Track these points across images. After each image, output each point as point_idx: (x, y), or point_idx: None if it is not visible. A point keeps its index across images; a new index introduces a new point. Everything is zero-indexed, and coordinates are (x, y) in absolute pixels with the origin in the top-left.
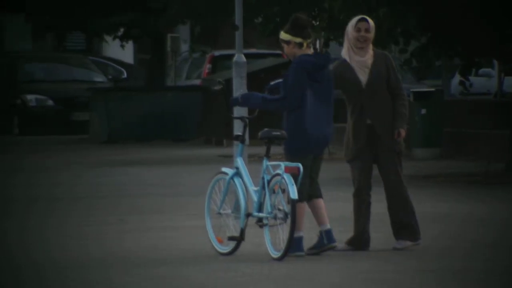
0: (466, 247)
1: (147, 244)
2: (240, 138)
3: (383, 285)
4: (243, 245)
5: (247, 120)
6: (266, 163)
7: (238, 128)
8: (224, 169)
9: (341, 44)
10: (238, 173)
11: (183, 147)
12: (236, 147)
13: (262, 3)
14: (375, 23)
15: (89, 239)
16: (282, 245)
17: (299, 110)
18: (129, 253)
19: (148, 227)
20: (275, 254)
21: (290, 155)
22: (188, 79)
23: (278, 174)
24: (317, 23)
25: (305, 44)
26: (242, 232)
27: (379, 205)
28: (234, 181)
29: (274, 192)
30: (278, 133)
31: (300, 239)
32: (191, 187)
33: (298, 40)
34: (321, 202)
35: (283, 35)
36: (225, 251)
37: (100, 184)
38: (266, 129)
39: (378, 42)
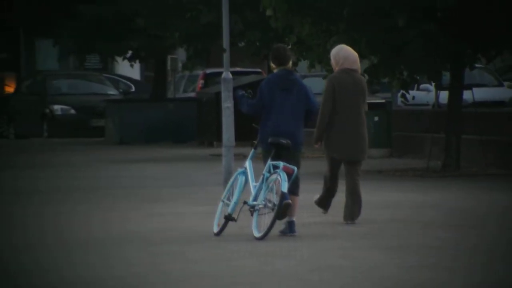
0: (413, 227)
1: (154, 226)
2: (254, 145)
3: (346, 258)
4: (232, 228)
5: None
6: (269, 163)
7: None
8: (239, 168)
9: (311, 63)
10: (244, 172)
11: (182, 148)
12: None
13: (245, 30)
14: (333, 47)
15: (109, 223)
16: (264, 228)
17: (269, 111)
18: (137, 234)
19: (154, 212)
20: (257, 234)
21: (261, 146)
22: (185, 92)
23: (275, 172)
24: (289, 46)
25: (276, 68)
26: (230, 216)
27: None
28: (238, 177)
29: (269, 187)
30: (284, 141)
31: (293, 222)
32: (189, 180)
33: (274, 66)
34: (295, 199)
35: (270, 62)
36: (216, 231)
37: (114, 178)
38: (274, 136)
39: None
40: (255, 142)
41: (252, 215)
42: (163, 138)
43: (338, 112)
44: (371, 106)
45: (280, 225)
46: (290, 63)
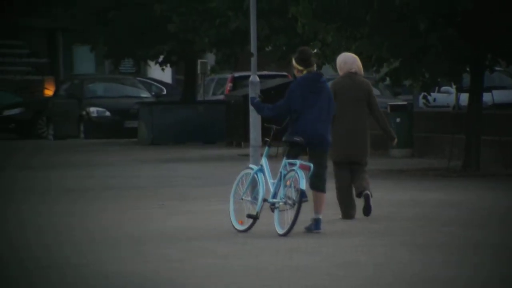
0: (434, 225)
1: (182, 224)
2: (268, 143)
3: (369, 255)
4: (257, 225)
5: (274, 128)
6: (285, 161)
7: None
8: (250, 165)
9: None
10: (261, 169)
11: (211, 148)
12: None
13: (272, 35)
14: (356, 51)
15: (141, 220)
16: (287, 225)
17: (298, 113)
18: (169, 231)
19: (184, 210)
20: (281, 231)
21: (289, 146)
22: (214, 95)
23: (292, 170)
24: (315, 50)
25: (305, 71)
26: (258, 214)
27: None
28: (257, 175)
29: (286, 185)
30: (298, 139)
31: (319, 220)
32: (217, 179)
33: (301, 68)
34: (322, 196)
35: (293, 63)
36: (242, 229)
37: (146, 176)
38: (288, 134)
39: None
40: (269, 140)
41: (273, 212)
42: (193, 139)
43: (339, 115)
44: (393, 108)
45: (305, 222)
46: (315, 65)
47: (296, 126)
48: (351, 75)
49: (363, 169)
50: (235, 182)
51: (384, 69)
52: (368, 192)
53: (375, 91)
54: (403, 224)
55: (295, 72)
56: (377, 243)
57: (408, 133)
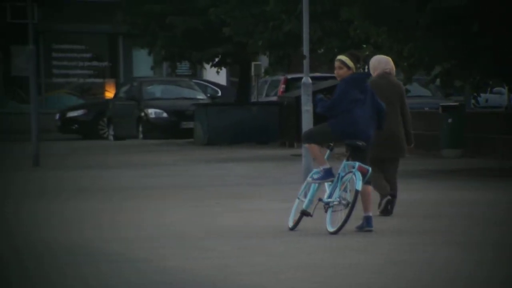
0: (485, 225)
1: (237, 222)
2: (331, 147)
3: (419, 253)
4: (309, 223)
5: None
6: (345, 163)
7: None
8: (315, 170)
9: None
10: (319, 171)
11: (264, 148)
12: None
13: (324, 38)
14: (409, 54)
15: (196, 217)
16: (338, 223)
17: (346, 111)
18: (224, 229)
19: (238, 208)
20: (331, 229)
21: (332, 134)
22: (267, 96)
23: (351, 172)
24: (366, 53)
25: (354, 70)
26: (305, 211)
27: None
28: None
29: (344, 186)
30: (360, 143)
31: (370, 217)
32: (271, 178)
33: (353, 65)
34: (368, 189)
35: (345, 59)
36: (291, 226)
37: (202, 176)
38: (350, 135)
39: (412, 68)
40: (332, 144)
41: (326, 211)
42: (247, 139)
43: None
44: (445, 108)
45: (356, 221)
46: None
47: (343, 122)
48: (385, 76)
49: (396, 164)
50: (304, 184)
51: (436, 70)
52: (390, 198)
53: (427, 92)
54: (454, 223)
55: (343, 71)
56: (427, 241)
57: (460, 134)
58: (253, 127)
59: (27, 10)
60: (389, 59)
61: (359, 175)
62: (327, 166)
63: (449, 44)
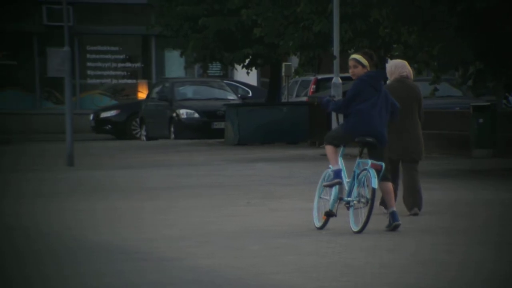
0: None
1: (267, 221)
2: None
3: (450, 253)
4: (338, 223)
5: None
6: (358, 160)
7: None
8: (330, 166)
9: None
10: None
11: (294, 148)
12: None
13: (354, 38)
14: (439, 54)
15: (227, 216)
16: (361, 223)
17: (359, 109)
18: (255, 228)
19: (269, 208)
20: (355, 228)
21: (344, 133)
22: (297, 97)
23: (365, 169)
24: (396, 53)
25: (369, 68)
26: (330, 211)
27: None
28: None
29: (360, 183)
30: (370, 139)
31: (394, 212)
32: (300, 178)
33: (367, 64)
34: (388, 185)
35: (360, 58)
36: (319, 226)
37: (233, 175)
38: (363, 133)
39: (443, 67)
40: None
41: (348, 209)
42: (277, 139)
43: None
44: (476, 108)
45: (380, 219)
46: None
47: (356, 119)
48: (402, 79)
49: (415, 166)
50: (319, 182)
51: (468, 71)
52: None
53: (458, 92)
54: (486, 223)
55: (358, 69)
56: (461, 241)
57: (491, 134)
58: (283, 127)
59: (62, 13)
60: (406, 63)
61: (373, 172)
62: (337, 167)
63: (480, 44)
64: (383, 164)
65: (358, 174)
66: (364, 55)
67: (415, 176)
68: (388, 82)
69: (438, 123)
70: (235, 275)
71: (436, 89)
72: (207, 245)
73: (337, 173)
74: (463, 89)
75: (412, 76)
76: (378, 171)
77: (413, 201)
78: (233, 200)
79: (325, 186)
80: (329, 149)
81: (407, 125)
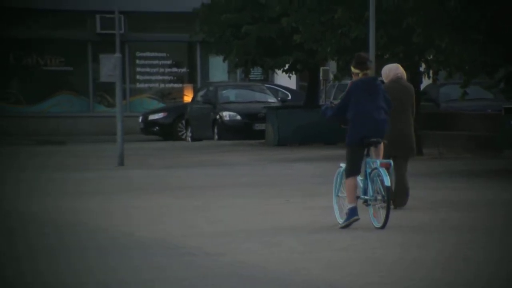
0: None
1: (305, 218)
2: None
3: (481, 251)
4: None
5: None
6: (368, 160)
7: None
8: (341, 164)
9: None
10: None
11: (331, 149)
12: None
13: (389, 44)
14: (470, 57)
15: (267, 214)
16: (382, 218)
17: (357, 114)
18: (293, 225)
19: (307, 206)
20: (377, 225)
21: (347, 144)
22: (334, 100)
23: (375, 168)
24: (430, 56)
25: (361, 74)
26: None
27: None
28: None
29: (373, 181)
30: (375, 139)
31: (354, 208)
32: None
33: (357, 71)
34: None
35: (352, 68)
36: (343, 224)
37: (273, 175)
38: (367, 135)
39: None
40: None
41: (367, 207)
42: (315, 140)
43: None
44: (508, 110)
45: (400, 214)
46: (372, 69)
47: (357, 125)
48: (397, 80)
49: (405, 163)
50: (334, 181)
51: (500, 73)
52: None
53: (489, 94)
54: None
55: (353, 76)
56: (488, 239)
57: None
58: (321, 128)
59: (114, 21)
60: (399, 65)
61: (384, 171)
62: (353, 205)
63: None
64: (391, 162)
65: (370, 173)
66: (352, 63)
67: (405, 172)
68: (385, 84)
69: (469, 125)
70: (273, 270)
71: (465, 93)
72: (247, 241)
73: (353, 211)
74: (494, 91)
75: (405, 77)
76: (388, 168)
77: (399, 200)
78: (273, 199)
79: (341, 228)
80: (348, 183)
81: (401, 123)
